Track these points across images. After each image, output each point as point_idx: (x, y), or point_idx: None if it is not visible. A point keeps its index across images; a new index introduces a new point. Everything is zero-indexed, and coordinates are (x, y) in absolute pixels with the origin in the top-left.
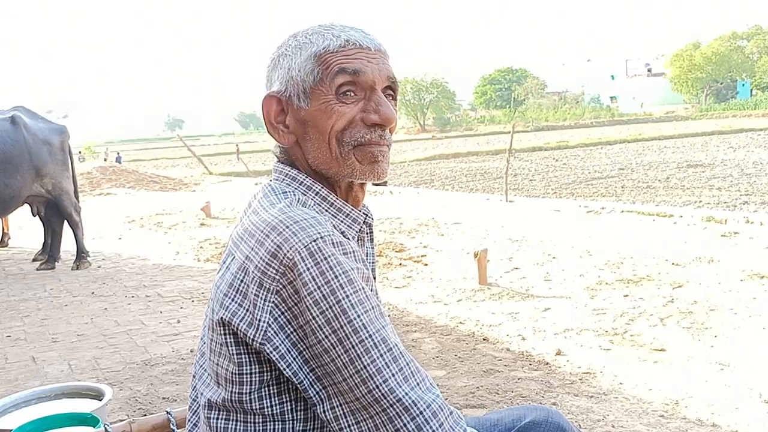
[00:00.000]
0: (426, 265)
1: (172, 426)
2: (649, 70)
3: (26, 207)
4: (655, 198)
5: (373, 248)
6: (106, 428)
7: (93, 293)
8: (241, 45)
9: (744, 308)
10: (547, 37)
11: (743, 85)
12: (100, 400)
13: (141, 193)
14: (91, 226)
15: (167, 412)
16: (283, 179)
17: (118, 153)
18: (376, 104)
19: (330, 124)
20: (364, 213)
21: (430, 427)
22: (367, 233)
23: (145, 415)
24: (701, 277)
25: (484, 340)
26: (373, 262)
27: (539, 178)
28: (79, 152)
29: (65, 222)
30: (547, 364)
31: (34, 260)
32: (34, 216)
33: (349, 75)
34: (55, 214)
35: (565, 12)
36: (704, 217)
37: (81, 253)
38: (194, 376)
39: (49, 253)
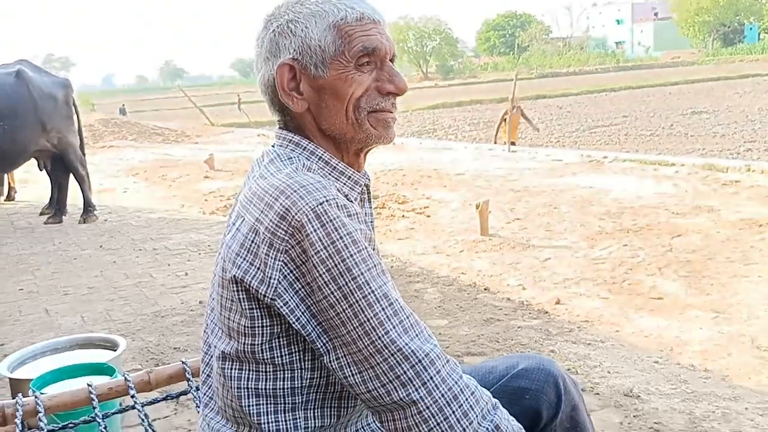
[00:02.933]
0: (428, 216)
1: (187, 375)
2: (655, 14)
3: (32, 161)
4: (659, 146)
5: (371, 208)
6: (125, 377)
7: (101, 247)
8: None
9: (740, 256)
10: None
11: (751, 29)
12: (114, 350)
13: (144, 145)
14: (95, 179)
15: (182, 362)
16: (287, 145)
17: (122, 104)
18: (390, 74)
19: (350, 92)
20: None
21: (428, 374)
22: (366, 194)
23: (157, 364)
24: (700, 226)
25: (485, 290)
26: (371, 221)
27: (543, 126)
28: (93, 104)
29: (71, 176)
30: (546, 312)
31: (41, 214)
32: (41, 170)
33: (368, 50)
34: (61, 168)
35: None
36: (705, 165)
37: (87, 207)
38: (205, 331)
39: (56, 207)
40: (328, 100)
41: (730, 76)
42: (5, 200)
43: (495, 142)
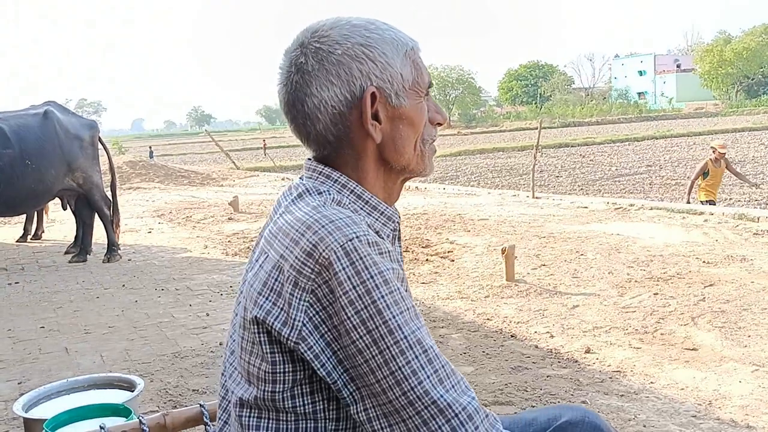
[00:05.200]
0: (452, 260)
1: (205, 419)
2: (678, 66)
3: (56, 200)
4: (684, 195)
5: (400, 247)
6: (140, 420)
7: (124, 286)
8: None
9: None
10: (573, 32)
11: None
12: (132, 391)
13: (170, 187)
14: (121, 220)
15: (201, 405)
16: (317, 177)
17: (150, 148)
18: (435, 105)
19: (423, 122)
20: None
21: (466, 430)
22: (397, 232)
23: (175, 406)
24: (733, 276)
25: (511, 336)
26: (401, 261)
27: (566, 174)
28: (120, 145)
29: (96, 215)
30: (576, 362)
31: (66, 253)
32: (65, 209)
33: (431, 82)
34: (86, 207)
35: (592, 6)
36: (736, 214)
37: (112, 247)
38: (223, 374)
39: (81, 246)
40: (404, 129)
41: (755, 126)
42: (32, 238)
43: (688, 201)
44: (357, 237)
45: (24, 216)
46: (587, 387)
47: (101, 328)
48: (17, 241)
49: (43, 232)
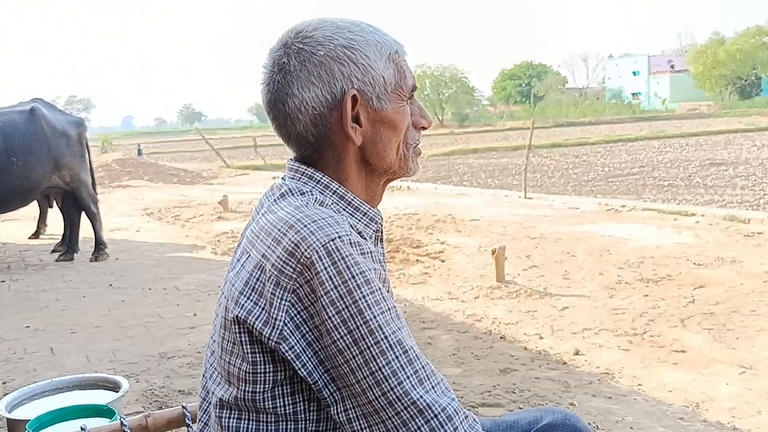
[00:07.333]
0: (443, 261)
1: (186, 420)
2: (671, 67)
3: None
4: (677, 196)
5: (383, 248)
6: (122, 421)
7: (111, 285)
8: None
9: (766, 309)
10: (567, 32)
11: None
12: (117, 391)
13: (159, 185)
14: (110, 218)
15: (183, 407)
16: (299, 178)
17: (139, 145)
18: (420, 109)
19: (405, 126)
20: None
21: (445, 431)
22: (379, 233)
23: (161, 407)
24: (723, 278)
25: (501, 338)
26: (384, 262)
27: (559, 174)
28: (109, 143)
29: (83, 214)
30: (565, 363)
31: (53, 251)
32: (51, 207)
33: (415, 86)
34: (73, 205)
35: (586, 7)
36: (727, 216)
37: (99, 245)
38: (204, 375)
39: (68, 245)
40: (385, 132)
41: (748, 128)
42: (31, 237)
43: None
44: (339, 237)
45: (12, 212)
46: (575, 389)
47: (87, 328)
48: (31, 237)
49: (46, 227)
